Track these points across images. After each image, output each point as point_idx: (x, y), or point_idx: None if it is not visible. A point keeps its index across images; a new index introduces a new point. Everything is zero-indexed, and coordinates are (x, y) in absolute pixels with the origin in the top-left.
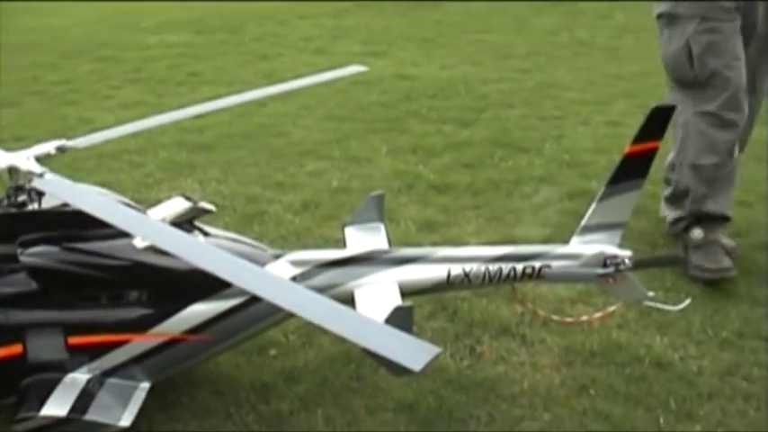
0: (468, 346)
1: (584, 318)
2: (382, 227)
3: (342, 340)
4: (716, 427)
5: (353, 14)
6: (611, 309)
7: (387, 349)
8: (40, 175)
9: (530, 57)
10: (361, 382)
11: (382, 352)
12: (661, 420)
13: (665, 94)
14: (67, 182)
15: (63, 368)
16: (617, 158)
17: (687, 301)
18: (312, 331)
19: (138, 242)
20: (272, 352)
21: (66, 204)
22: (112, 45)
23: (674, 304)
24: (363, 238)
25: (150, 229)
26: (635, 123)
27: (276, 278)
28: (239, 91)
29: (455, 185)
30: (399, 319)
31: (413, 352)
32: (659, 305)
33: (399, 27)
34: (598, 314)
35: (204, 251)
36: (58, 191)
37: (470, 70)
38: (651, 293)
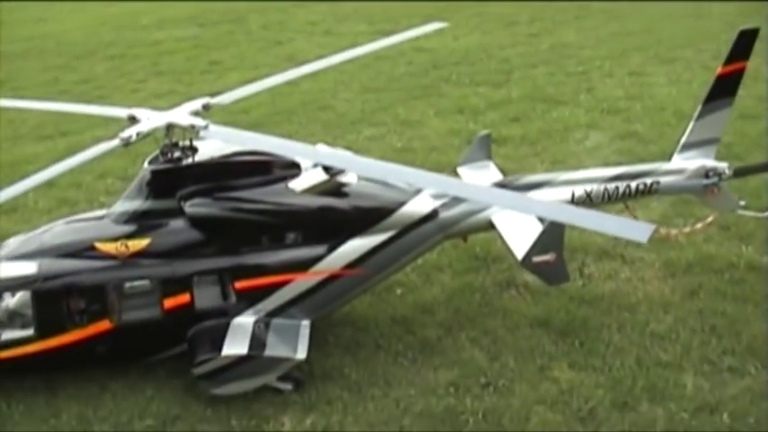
0: (577, 268)
1: (688, 229)
2: (491, 164)
3: (458, 275)
4: None
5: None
6: (710, 219)
7: (615, 229)
8: (205, 127)
9: (534, 23)
10: (490, 306)
11: (612, 232)
12: None
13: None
14: (232, 129)
15: (230, 313)
16: (650, 104)
17: (742, 203)
18: (429, 271)
19: (296, 184)
20: (399, 291)
21: (217, 157)
22: (119, 44)
23: (761, 212)
24: (477, 175)
25: (323, 155)
26: (656, 72)
27: (485, 186)
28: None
29: (510, 138)
30: (554, 229)
31: (635, 230)
32: (751, 212)
33: (398, 6)
34: (699, 225)
35: (387, 167)
36: (226, 137)
37: (483, 39)
38: (743, 202)
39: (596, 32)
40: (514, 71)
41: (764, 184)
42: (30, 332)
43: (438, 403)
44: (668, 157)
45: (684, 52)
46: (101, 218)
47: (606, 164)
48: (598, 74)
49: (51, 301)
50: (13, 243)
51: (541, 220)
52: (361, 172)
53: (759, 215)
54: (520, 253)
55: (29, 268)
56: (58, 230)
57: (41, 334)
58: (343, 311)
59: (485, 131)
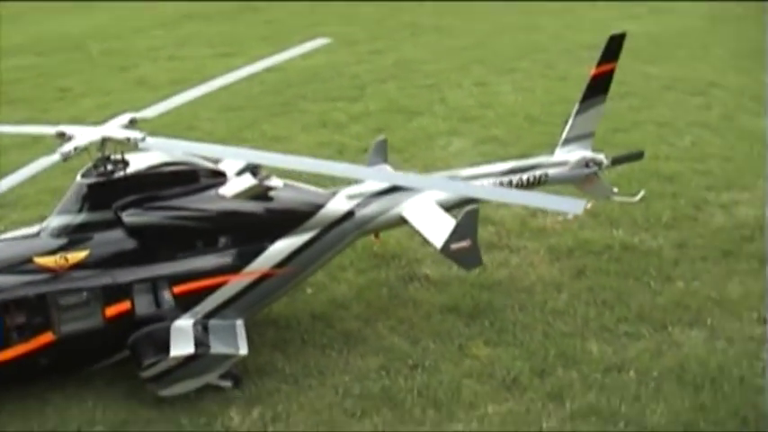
0: None
1: (570, 216)
2: (388, 166)
3: (362, 272)
4: (692, 281)
5: (181, 25)
6: (588, 204)
7: (550, 203)
8: (143, 139)
9: (374, 41)
10: (399, 298)
11: (547, 206)
12: (651, 284)
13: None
14: (168, 139)
15: (169, 318)
16: (501, 111)
17: (642, 192)
18: (334, 270)
19: (226, 191)
20: (309, 290)
21: (148, 168)
22: None
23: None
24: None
25: (265, 156)
26: (499, 82)
27: (440, 178)
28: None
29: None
30: (469, 219)
31: (568, 204)
32: (623, 198)
33: (233, 31)
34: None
35: (303, 160)
36: (164, 147)
37: (328, 57)
38: (615, 189)
39: (433, 48)
40: (366, 86)
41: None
42: None
43: (374, 385)
44: (551, 152)
45: (521, 63)
46: (36, 233)
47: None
48: (446, 85)
49: None
50: None
51: (449, 210)
52: (297, 168)
53: (630, 200)
54: (438, 242)
55: None
56: None
57: None
58: (262, 313)
59: (381, 137)
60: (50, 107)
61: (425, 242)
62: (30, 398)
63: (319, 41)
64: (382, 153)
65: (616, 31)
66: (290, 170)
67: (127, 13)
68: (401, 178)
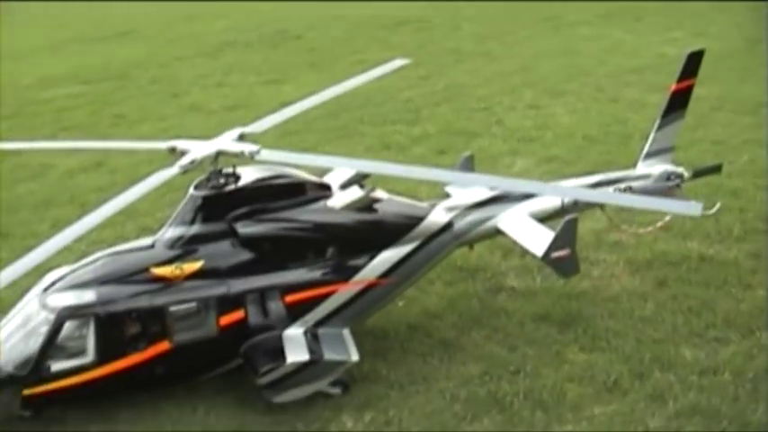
0: (553, 272)
1: (651, 228)
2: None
3: (449, 285)
4: None
5: (223, 54)
6: (667, 218)
7: (672, 207)
8: (257, 151)
9: (419, 67)
10: (490, 309)
11: (672, 210)
12: (733, 291)
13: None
14: (282, 151)
15: (280, 326)
16: (559, 131)
17: (718, 205)
18: (421, 284)
19: (335, 202)
20: (400, 303)
21: (258, 181)
22: (8, 103)
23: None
24: (466, 192)
25: (374, 166)
26: (551, 104)
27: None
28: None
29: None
30: (568, 228)
31: (688, 207)
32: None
33: (276, 59)
34: (660, 223)
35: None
36: (279, 159)
37: (377, 83)
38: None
39: (480, 73)
40: (421, 110)
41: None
42: (89, 359)
43: (479, 390)
44: (633, 166)
45: (569, 86)
46: (151, 245)
47: None
48: (500, 108)
49: (112, 326)
50: (57, 274)
51: (545, 220)
52: (407, 176)
53: (707, 212)
54: (539, 250)
55: (87, 296)
56: (109, 260)
57: (102, 360)
58: (358, 324)
59: (467, 153)
60: (108, 133)
61: (506, 256)
62: (142, 406)
63: (398, 62)
64: (469, 167)
65: (691, 48)
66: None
67: (165, 43)
68: (515, 184)
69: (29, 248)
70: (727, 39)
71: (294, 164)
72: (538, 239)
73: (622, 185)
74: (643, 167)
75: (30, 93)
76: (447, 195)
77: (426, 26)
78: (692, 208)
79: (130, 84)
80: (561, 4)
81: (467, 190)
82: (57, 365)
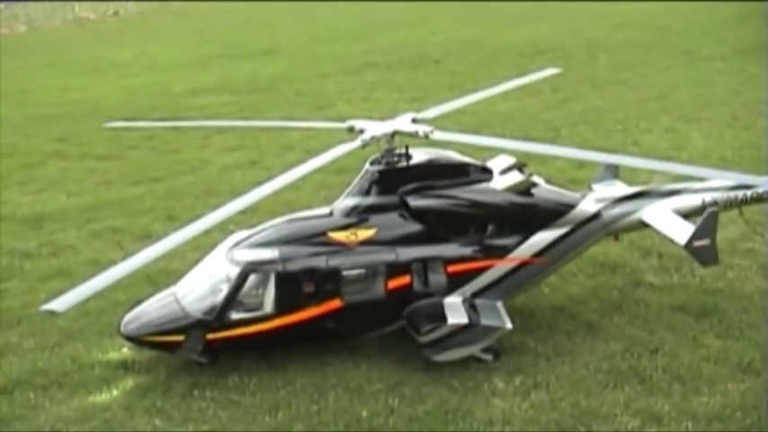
0: (689, 272)
1: None
2: (620, 182)
3: (591, 277)
4: None
5: (364, 73)
6: None
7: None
8: (432, 132)
9: (557, 91)
10: (629, 299)
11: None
12: None
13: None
14: (453, 133)
15: (439, 294)
16: (694, 153)
17: None
18: (564, 275)
19: (497, 183)
20: (546, 290)
21: (428, 161)
22: (163, 108)
23: None
24: (612, 190)
25: (537, 147)
26: (687, 129)
27: None
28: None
29: (586, 179)
30: (710, 220)
31: None
32: None
33: (417, 80)
34: None
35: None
36: (452, 138)
37: (517, 104)
38: None
39: (619, 99)
40: (560, 129)
41: None
42: (268, 310)
43: (621, 364)
44: None
45: (705, 113)
46: (329, 213)
47: None
48: (637, 131)
49: (291, 281)
50: (239, 236)
51: (686, 216)
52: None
53: None
54: (682, 239)
55: (270, 253)
56: (290, 224)
57: (280, 311)
58: (507, 303)
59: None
60: (259, 136)
61: (645, 256)
62: (310, 360)
63: (551, 71)
64: (612, 172)
65: None
66: None
67: (307, 61)
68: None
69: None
70: None
71: (465, 143)
72: (680, 230)
73: (760, 190)
74: None
75: (182, 100)
76: (590, 190)
77: (562, 55)
78: None
79: (277, 95)
80: (694, 40)
81: (609, 187)
82: (238, 315)
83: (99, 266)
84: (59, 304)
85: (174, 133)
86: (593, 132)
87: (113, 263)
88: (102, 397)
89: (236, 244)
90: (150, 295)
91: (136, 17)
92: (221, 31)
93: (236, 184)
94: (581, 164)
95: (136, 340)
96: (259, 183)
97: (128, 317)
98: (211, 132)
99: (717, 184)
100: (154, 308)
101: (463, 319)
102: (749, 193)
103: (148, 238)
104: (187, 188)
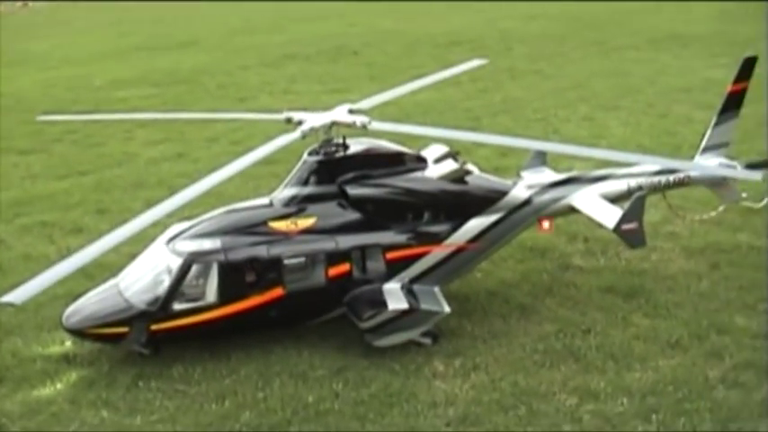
0: (615, 255)
1: (707, 216)
2: (548, 169)
3: (521, 262)
4: None
5: (285, 65)
6: (721, 208)
7: (734, 173)
8: (369, 122)
9: (476, 81)
10: (559, 282)
11: (724, 174)
12: None
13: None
14: (392, 123)
15: (378, 280)
16: (613, 141)
17: (766, 200)
18: (495, 260)
19: (433, 172)
20: (478, 275)
21: (364, 151)
22: (85, 101)
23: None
24: (542, 176)
25: (463, 135)
26: (605, 117)
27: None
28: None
29: (509, 167)
30: (637, 204)
31: (747, 174)
32: (749, 203)
33: (337, 71)
34: (713, 213)
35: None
36: (388, 129)
37: (438, 94)
38: (744, 194)
39: (537, 88)
40: (481, 119)
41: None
42: (211, 300)
43: (556, 344)
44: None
45: (622, 102)
46: (269, 203)
47: None
48: (556, 120)
49: (233, 271)
50: (180, 227)
51: (613, 201)
52: (497, 143)
53: (756, 205)
54: (611, 223)
55: (213, 244)
56: (231, 214)
57: (223, 301)
58: (443, 289)
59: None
60: (183, 128)
61: (571, 240)
62: (253, 348)
63: (476, 62)
64: (541, 159)
65: (749, 54)
66: None
67: (228, 53)
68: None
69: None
70: None
71: (402, 133)
72: (609, 214)
73: (681, 174)
74: (700, 160)
75: (102, 93)
76: (520, 177)
77: (479, 46)
78: (753, 175)
79: (199, 88)
80: (607, 31)
81: (539, 174)
82: (182, 305)
83: (31, 261)
84: (16, 296)
85: (97, 126)
86: (513, 121)
87: (46, 257)
88: (46, 391)
89: (177, 235)
90: (88, 289)
91: (46, 9)
92: (137, 23)
93: (164, 176)
94: (504, 152)
95: (79, 333)
96: (187, 174)
97: (69, 310)
98: (134, 125)
99: (641, 169)
100: (96, 300)
101: (403, 305)
102: (672, 177)
103: (80, 232)
104: (115, 181)
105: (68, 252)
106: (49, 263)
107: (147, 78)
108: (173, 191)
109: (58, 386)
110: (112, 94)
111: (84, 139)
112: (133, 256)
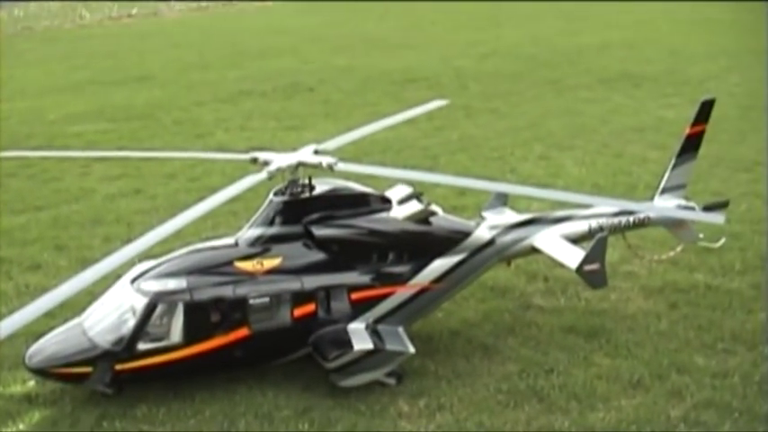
0: (575, 294)
1: (665, 256)
2: (509, 210)
3: (482, 302)
4: None
5: (240, 101)
6: (679, 248)
7: (695, 217)
8: (335, 163)
9: (432, 120)
10: (521, 321)
11: (684, 216)
12: (737, 314)
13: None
14: (357, 165)
15: (344, 321)
16: (569, 180)
17: (723, 240)
18: (457, 300)
19: (398, 213)
20: (440, 315)
21: (330, 192)
22: (39, 136)
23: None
24: (503, 217)
25: (429, 177)
26: (560, 156)
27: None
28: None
29: (466, 206)
30: (599, 246)
31: (709, 217)
32: (706, 243)
33: (293, 108)
34: (672, 253)
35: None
36: (354, 169)
37: (394, 133)
38: (701, 235)
39: (492, 127)
40: (439, 157)
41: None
42: (176, 340)
43: (519, 384)
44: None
45: (576, 142)
46: (234, 243)
47: None
48: (512, 159)
49: (198, 311)
50: (144, 266)
51: (574, 241)
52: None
53: (713, 245)
54: (573, 264)
55: (178, 283)
56: (196, 254)
57: (189, 341)
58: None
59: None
60: (141, 165)
61: (531, 280)
62: (217, 388)
63: (437, 103)
64: (502, 199)
65: (707, 96)
66: None
67: (182, 89)
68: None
69: (85, 259)
70: (722, 105)
71: (369, 174)
72: (571, 255)
73: (641, 215)
74: (659, 201)
75: (57, 128)
76: (482, 218)
77: (434, 84)
78: (715, 218)
79: (154, 123)
80: (560, 70)
81: (500, 215)
82: (146, 345)
83: None
84: None
85: (53, 161)
86: (471, 160)
87: (4, 293)
88: (8, 431)
89: (142, 274)
90: (50, 327)
91: None
92: (89, 57)
93: (122, 212)
94: (462, 191)
95: (42, 372)
96: (144, 211)
97: (32, 349)
98: (90, 161)
99: (601, 210)
100: (60, 339)
101: (368, 345)
102: (632, 218)
103: (38, 268)
104: (72, 217)
105: (26, 289)
106: (7, 299)
107: (101, 113)
108: (131, 227)
109: (21, 426)
110: (67, 129)
111: (40, 173)
112: (96, 295)
